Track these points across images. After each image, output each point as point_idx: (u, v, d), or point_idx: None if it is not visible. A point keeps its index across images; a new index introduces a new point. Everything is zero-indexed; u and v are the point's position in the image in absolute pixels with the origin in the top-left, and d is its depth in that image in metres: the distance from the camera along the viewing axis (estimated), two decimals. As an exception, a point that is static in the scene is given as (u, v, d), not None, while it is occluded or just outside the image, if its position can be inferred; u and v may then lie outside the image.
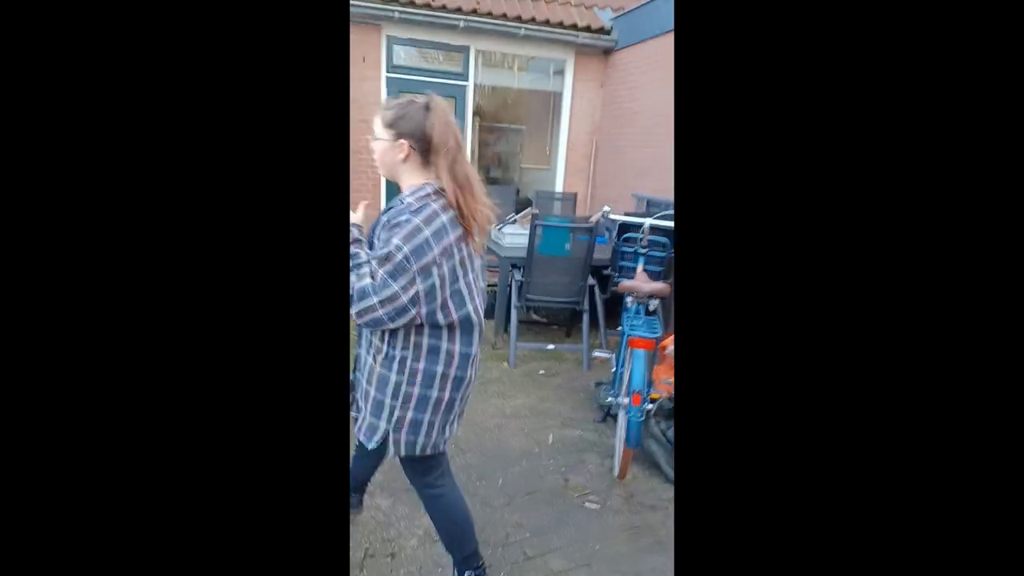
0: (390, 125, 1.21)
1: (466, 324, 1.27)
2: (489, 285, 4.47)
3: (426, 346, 1.23)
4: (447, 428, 1.32)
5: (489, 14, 4.62)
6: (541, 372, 3.18)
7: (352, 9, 4.34)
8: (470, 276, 1.27)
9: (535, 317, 4.09)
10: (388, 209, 1.25)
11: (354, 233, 1.23)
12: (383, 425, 1.26)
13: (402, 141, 1.21)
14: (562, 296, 3.26)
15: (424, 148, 1.21)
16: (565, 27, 4.82)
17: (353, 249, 1.19)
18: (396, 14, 4.43)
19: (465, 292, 1.26)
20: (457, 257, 1.22)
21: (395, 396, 1.24)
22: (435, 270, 1.17)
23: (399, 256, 1.13)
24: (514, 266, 3.34)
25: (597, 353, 2.98)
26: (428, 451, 1.30)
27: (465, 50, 4.96)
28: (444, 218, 1.19)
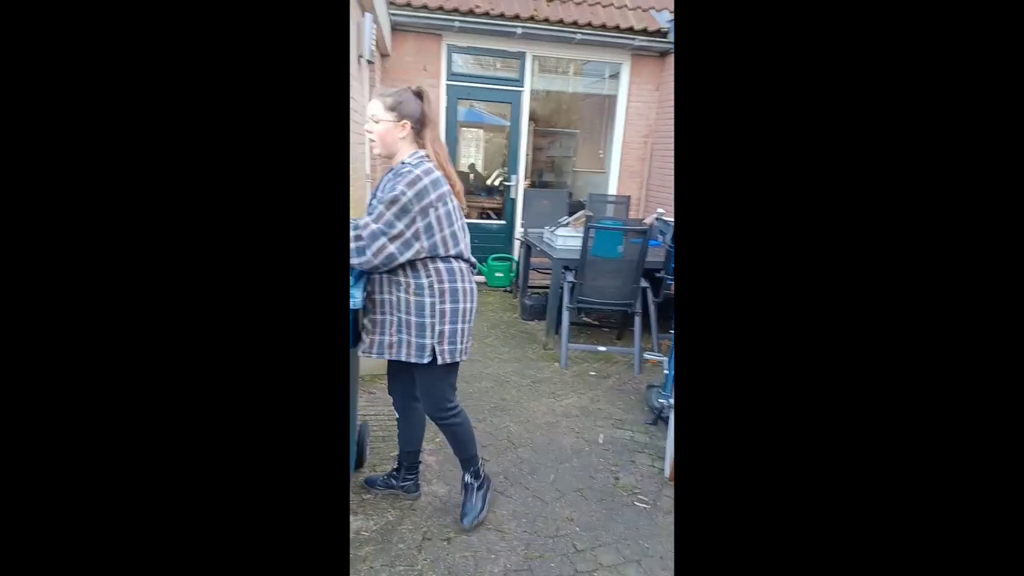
0: (392, 108, 1.55)
1: (461, 257, 1.62)
2: (540, 286, 4.54)
3: (444, 269, 1.58)
4: (470, 337, 1.69)
5: (546, 20, 4.69)
6: (592, 374, 3.21)
7: (415, 19, 4.53)
8: (459, 223, 1.61)
9: (586, 319, 4.12)
10: (388, 172, 1.59)
11: None
12: (429, 342, 1.59)
13: (404, 121, 1.55)
14: (614, 298, 3.28)
15: (419, 126, 1.57)
16: (621, 31, 4.83)
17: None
18: (457, 24, 4.58)
19: (459, 234, 1.60)
20: (450, 205, 1.55)
21: (433, 314, 1.58)
22: (431, 211, 1.50)
23: (404, 199, 1.46)
24: (566, 268, 3.39)
25: (649, 356, 2.99)
26: (462, 357, 1.66)
27: (522, 56, 5.06)
28: (437, 173, 1.53)
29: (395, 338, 1.63)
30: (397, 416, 1.90)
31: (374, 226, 1.46)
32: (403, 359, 1.63)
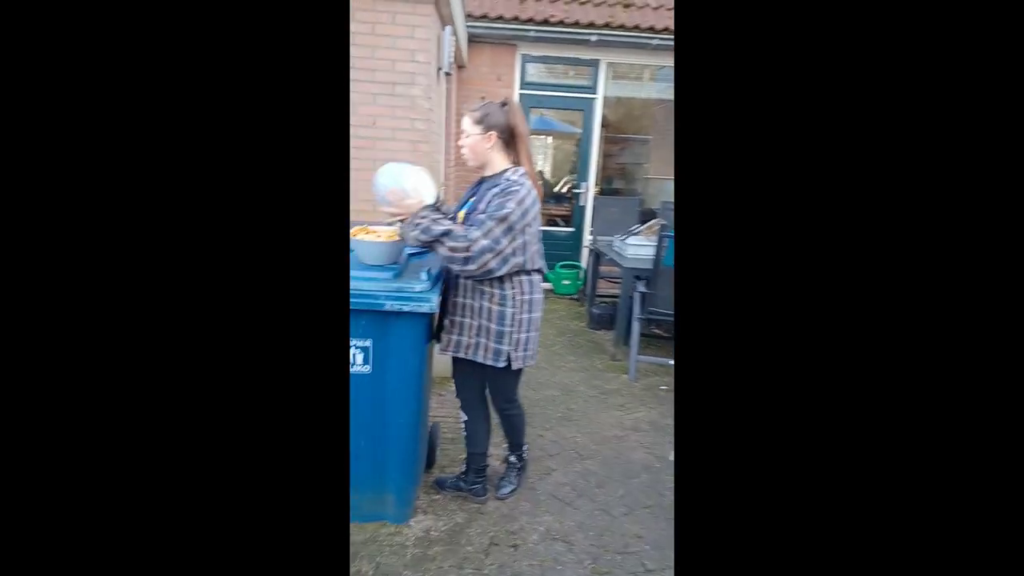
0: (479, 122, 1.67)
1: (539, 271, 1.78)
2: (609, 295, 4.46)
3: (526, 281, 1.71)
4: (537, 342, 1.82)
5: (622, 27, 4.65)
6: (663, 388, 3.11)
7: (491, 31, 4.63)
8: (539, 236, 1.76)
9: (657, 331, 4.01)
10: (483, 184, 1.72)
11: (439, 210, 1.69)
12: (505, 348, 1.71)
13: (491, 132, 1.66)
14: (688, 310, 3.16)
15: (506, 137, 1.68)
16: (700, 35, 4.68)
17: (443, 222, 1.61)
18: (532, 33, 4.63)
19: (540, 248, 1.75)
20: (538, 221, 1.70)
21: (512, 324, 1.70)
22: (528, 230, 1.64)
23: (512, 218, 1.58)
24: (637, 277, 3.32)
25: (724, 371, 2.85)
26: (531, 362, 1.80)
27: (595, 63, 5.03)
28: (534, 192, 1.66)
29: (473, 340, 1.74)
30: (464, 418, 1.95)
31: (484, 242, 1.56)
32: (479, 360, 1.74)
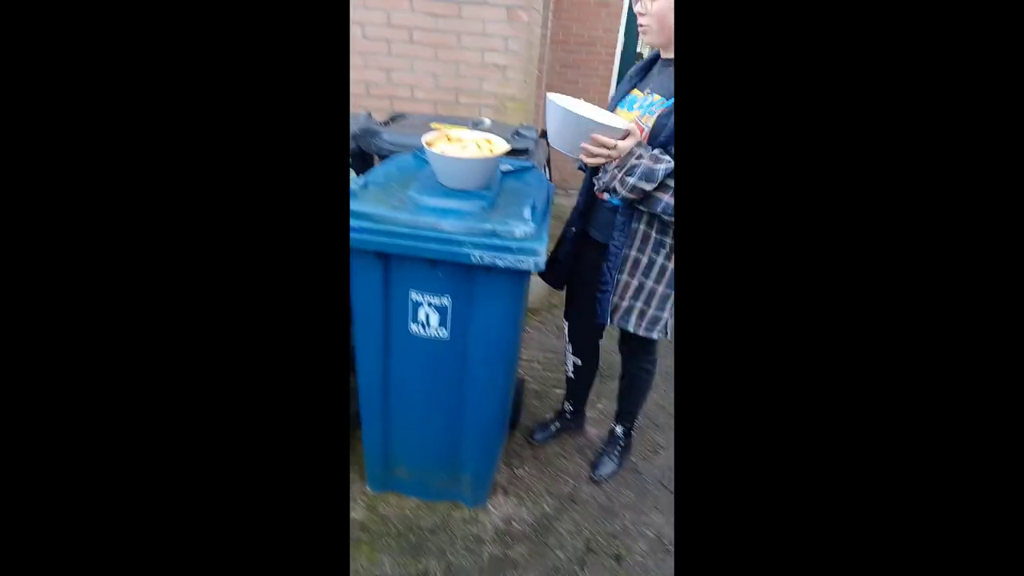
0: None
1: None
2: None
3: None
4: None
5: None
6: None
7: None
8: None
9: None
10: (658, 68, 1.28)
11: (636, 137, 1.18)
12: (666, 316, 1.35)
13: None
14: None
15: None
16: None
17: (664, 156, 1.15)
18: None
19: None
20: None
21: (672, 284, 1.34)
22: None
23: None
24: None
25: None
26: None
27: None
28: None
29: (626, 304, 1.34)
30: (577, 363, 1.70)
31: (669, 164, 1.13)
32: (629, 329, 1.37)
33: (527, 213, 1.15)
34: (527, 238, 1.13)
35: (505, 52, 2.24)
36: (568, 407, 1.82)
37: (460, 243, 1.12)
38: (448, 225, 1.13)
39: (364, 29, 2.26)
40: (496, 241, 1.11)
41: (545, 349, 2.30)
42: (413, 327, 1.26)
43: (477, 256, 1.11)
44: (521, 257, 1.11)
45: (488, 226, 1.12)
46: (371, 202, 1.18)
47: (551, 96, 1.20)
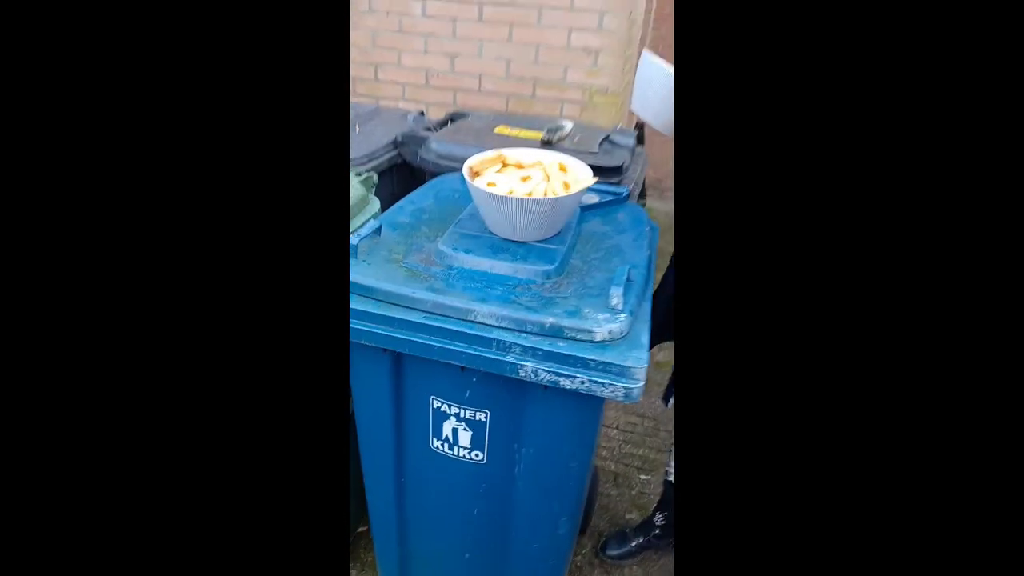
0: None
1: None
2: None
3: None
4: None
5: None
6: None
7: None
8: None
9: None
10: None
11: None
12: None
13: None
14: None
15: None
16: None
17: None
18: None
19: None
20: None
21: None
22: None
23: None
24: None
25: None
26: None
27: None
28: None
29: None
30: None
31: None
32: None
33: (617, 296, 0.70)
34: (614, 341, 0.68)
35: (598, 31, 1.76)
36: (660, 519, 1.35)
37: (503, 346, 0.69)
38: (486, 312, 0.71)
39: (425, 5, 1.87)
40: (561, 348, 0.68)
41: (629, 411, 1.83)
42: (436, 443, 0.86)
43: (529, 370, 0.69)
44: (602, 379, 0.66)
45: (550, 319, 0.69)
46: (381, 264, 0.79)
47: (648, 54, 0.83)
